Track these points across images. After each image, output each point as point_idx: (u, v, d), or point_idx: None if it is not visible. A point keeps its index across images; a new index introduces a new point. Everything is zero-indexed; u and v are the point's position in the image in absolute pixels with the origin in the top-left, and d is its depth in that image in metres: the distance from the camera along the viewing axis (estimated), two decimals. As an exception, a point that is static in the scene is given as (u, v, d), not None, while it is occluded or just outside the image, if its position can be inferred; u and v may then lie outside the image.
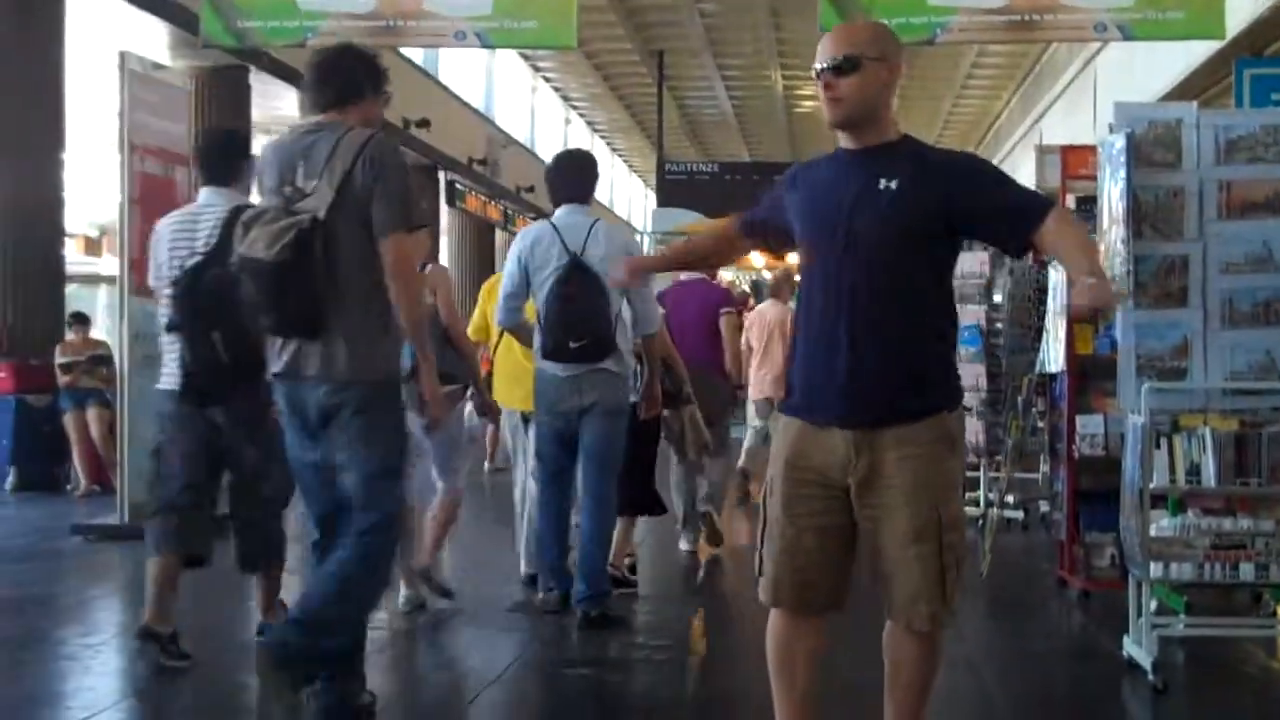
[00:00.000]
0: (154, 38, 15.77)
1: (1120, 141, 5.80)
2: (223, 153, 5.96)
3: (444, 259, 27.81)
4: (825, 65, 3.65)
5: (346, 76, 4.86)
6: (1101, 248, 6.11)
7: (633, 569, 7.76)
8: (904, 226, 3.58)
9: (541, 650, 6.37)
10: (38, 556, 8.58)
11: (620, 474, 6.68)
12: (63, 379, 12.41)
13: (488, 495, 11.83)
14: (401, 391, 4.89)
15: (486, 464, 13.90)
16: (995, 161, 32.13)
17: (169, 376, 5.71)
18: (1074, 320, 3.66)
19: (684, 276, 9.18)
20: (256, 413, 5.46)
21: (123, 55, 10.03)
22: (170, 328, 5.59)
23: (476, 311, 7.75)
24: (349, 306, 4.57)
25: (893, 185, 3.58)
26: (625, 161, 47.54)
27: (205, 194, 5.80)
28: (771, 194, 3.93)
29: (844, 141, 3.75)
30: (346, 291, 4.56)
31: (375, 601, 4.92)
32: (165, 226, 5.78)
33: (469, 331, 7.32)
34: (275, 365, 4.73)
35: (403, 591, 6.70)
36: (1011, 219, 3.62)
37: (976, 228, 3.77)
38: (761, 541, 3.77)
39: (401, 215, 4.63)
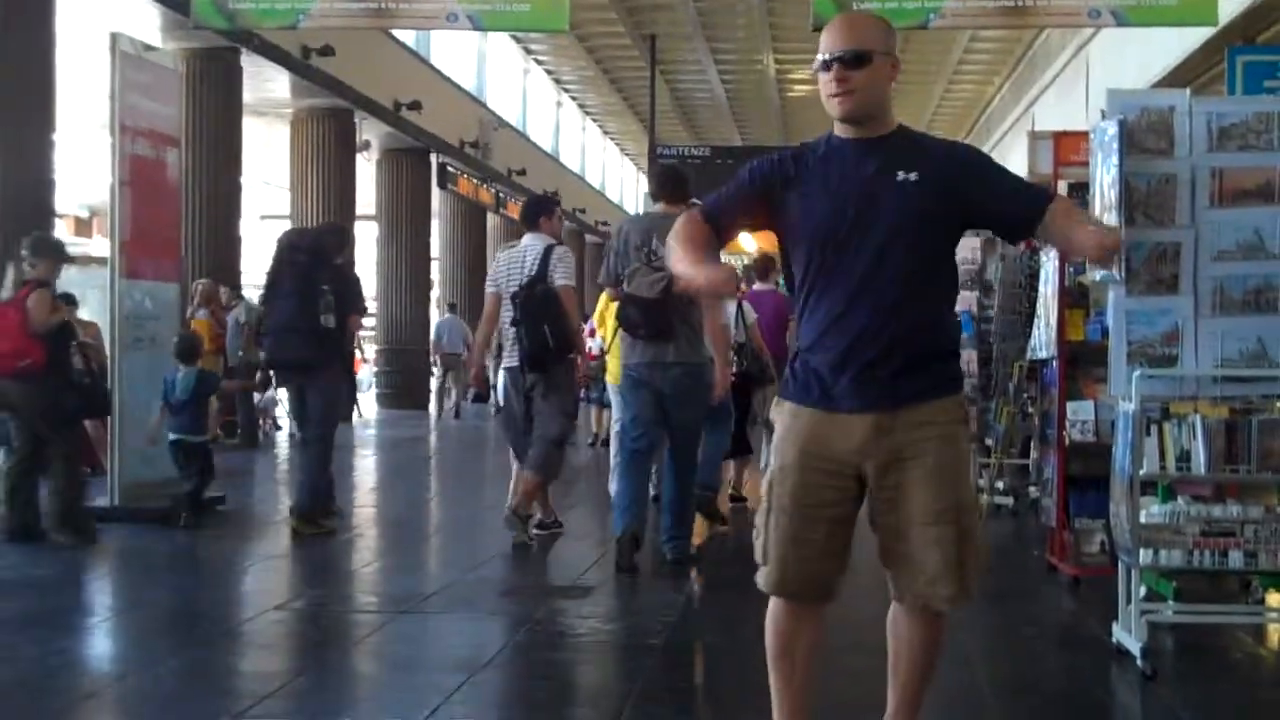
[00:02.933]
0: (145, 19, 15.72)
1: (1112, 128, 5.79)
2: (535, 210, 8.80)
3: (435, 242, 27.81)
4: (837, 57, 3.64)
5: (680, 183, 8.20)
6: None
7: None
8: (927, 216, 3.64)
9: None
10: (28, 539, 8.55)
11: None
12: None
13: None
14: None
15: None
16: (987, 148, 32.38)
17: (511, 357, 8.49)
18: (1094, 253, 3.85)
19: (757, 286, 11.34)
20: (566, 378, 8.48)
21: (114, 37, 10.00)
22: (514, 323, 8.30)
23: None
24: (685, 324, 7.64)
25: (911, 177, 3.63)
26: (617, 145, 47.47)
27: (527, 237, 8.60)
28: (740, 186, 3.85)
29: (844, 132, 3.75)
30: (686, 316, 7.58)
31: None
32: (503, 257, 8.69)
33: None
34: (635, 357, 7.72)
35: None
36: (1023, 203, 3.73)
37: (988, 214, 3.82)
38: (765, 530, 3.75)
39: None
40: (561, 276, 8.34)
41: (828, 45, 3.67)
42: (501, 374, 8.75)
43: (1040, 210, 3.70)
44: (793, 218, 3.74)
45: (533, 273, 8.36)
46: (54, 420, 8.79)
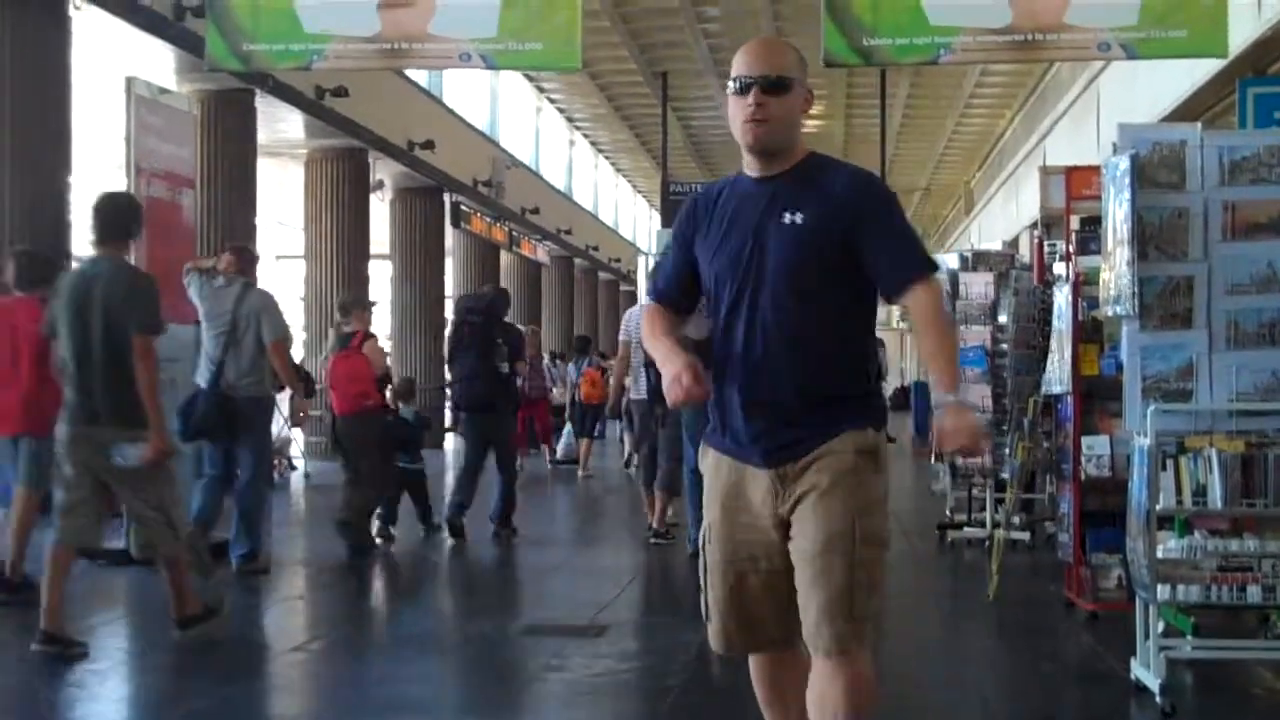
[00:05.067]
0: (160, 62, 15.81)
1: (1124, 163, 5.80)
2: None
3: (449, 280, 27.86)
4: (756, 80, 3.49)
5: None
6: (1106, 269, 6.12)
7: None
8: (810, 261, 3.47)
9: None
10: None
11: None
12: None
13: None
14: None
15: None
16: (999, 181, 32.32)
17: (639, 392, 10.62)
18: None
19: None
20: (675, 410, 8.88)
21: (129, 81, 10.07)
22: (646, 365, 9.50)
23: None
24: None
25: (798, 219, 3.47)
26: (629, 182, 47.58)
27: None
28: (673, 252, 3.75)
29: (751, 167, 3.60)
30: None
31: None
32: (634, 314, 10.22)
33: None
34: None
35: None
36: (890, 267, 3.51)
37: (865, 265, 3.51)
38: (705, 588, 3.61)
39: None
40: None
41: (747, 67, 3.52)
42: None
43: (897, 291, 3.50)
44: (701, 262, 3.64)
45: None
46: (378, 450, 10.36)
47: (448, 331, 11.97)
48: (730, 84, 3.54)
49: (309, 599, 8.77)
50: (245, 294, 9.18)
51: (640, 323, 8.74)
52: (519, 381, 12.16)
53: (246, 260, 9.64)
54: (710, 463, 3.65)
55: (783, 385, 3.47)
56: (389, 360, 12.07)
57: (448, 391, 12.49)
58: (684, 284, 3.72)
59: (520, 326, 13.38)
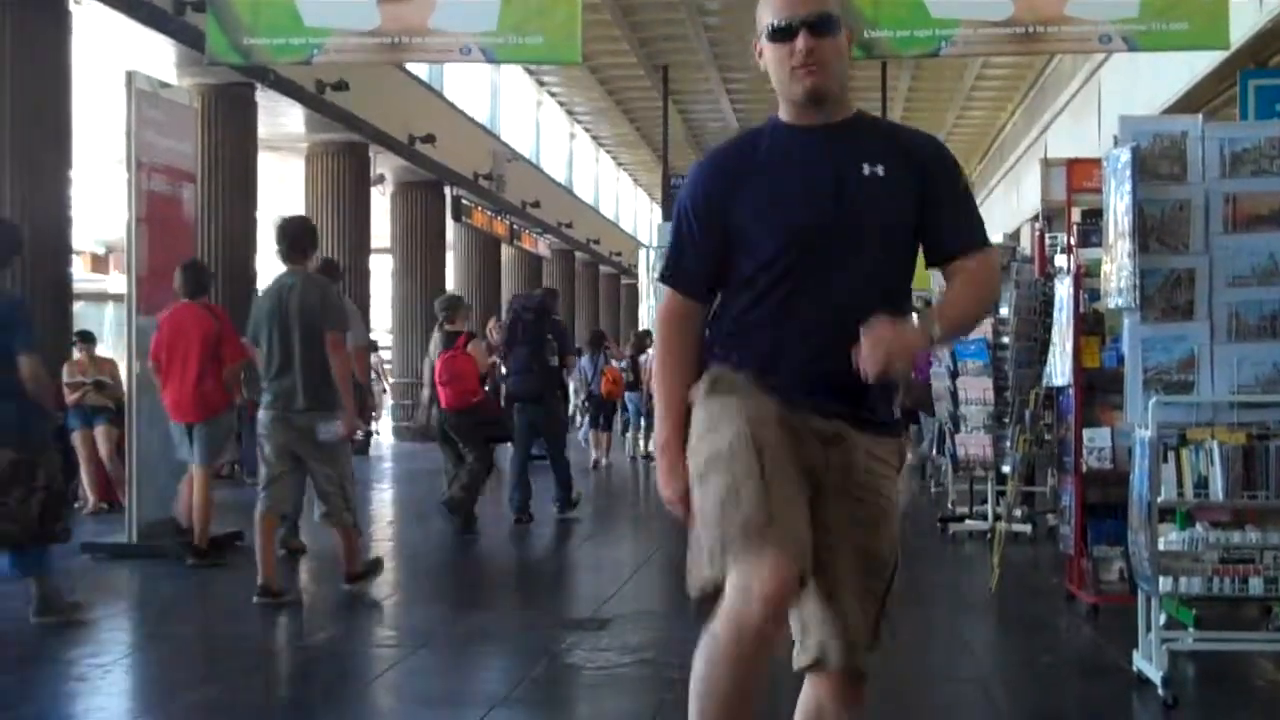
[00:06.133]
0: (160, 56, 15.82)
1: (1125, 155, 5.79)
2: None
3: (450, 274, 27.87)
4: (805, 21, 3.08)
5: None
6: (1108, 262, 6.12)
7: None
8: (898, 216, 3.15)
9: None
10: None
11: None
12: (70, 397, 12.41)
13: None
14: None
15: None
16: (1001, 174, 32.30)
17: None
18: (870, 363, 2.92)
19: None
20: None
21: (130, 75, 10.07)
22: None
23: None
24: None
25: (879, 170, 3.12)
26: (630, 176, 47.58)
27: None
28: (697, 223, 3.22)
29: (799, 116, 3.18)
30: None
31: None
32: None
33: None
34: None
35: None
36: (954, 230, 3.20)
37: (926, 222, 3.19)
38: (716, 509, 2.95)
39: None
40: None
41: (788, 8, 3.09)
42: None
43: (957, 254, 3.19)
44: (747, 217, 3.15)
45: None
46: (483, 440, 11.26)
47: (492, 326, 13.76)
48: (768, 28, 3.13)
49: (311, 592, 8.77)
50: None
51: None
52: (565, 374, 13.58)
53: (332, 269, 10.62)
54: (728, 384, 3.09)
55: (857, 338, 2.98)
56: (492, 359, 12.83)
57: (502, 386, 13.18)
58: (718, 260, 3.20)
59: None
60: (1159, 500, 5.57)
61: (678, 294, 3.26)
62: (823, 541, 3.00)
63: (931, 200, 3.16)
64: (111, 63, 14.41)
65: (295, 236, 8.13)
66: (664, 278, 3.30)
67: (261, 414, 7.92)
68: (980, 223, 3.28)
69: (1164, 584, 5.56)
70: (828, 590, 3.06)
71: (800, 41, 3.07)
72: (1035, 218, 18.50)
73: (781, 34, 3.10)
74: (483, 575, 9.74)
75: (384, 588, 8.65)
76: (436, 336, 11.80)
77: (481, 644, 7.04)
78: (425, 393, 12.43)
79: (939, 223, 3.18)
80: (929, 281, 16.17)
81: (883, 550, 3.11)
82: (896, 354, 2.94)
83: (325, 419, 7.78)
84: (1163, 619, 5.71)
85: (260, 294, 8.45)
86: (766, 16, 3.14)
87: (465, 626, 7.44)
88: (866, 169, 3.11)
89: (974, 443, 10.55)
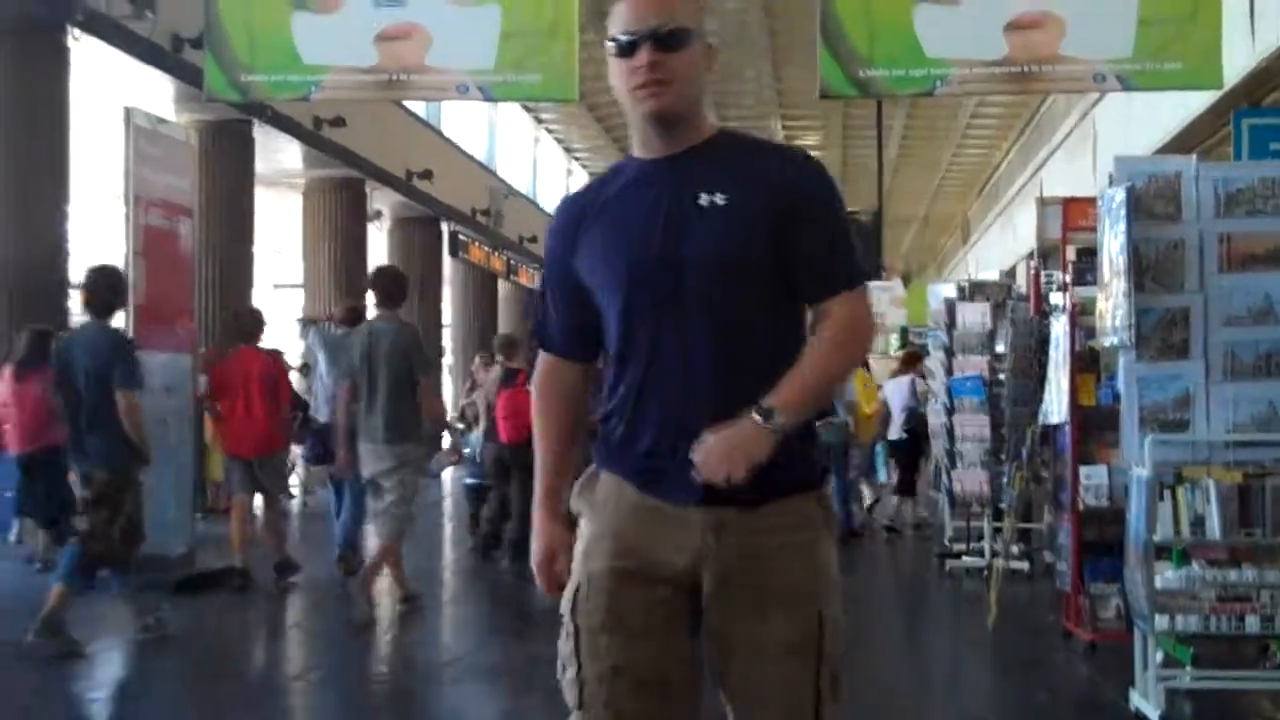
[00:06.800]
0: (158, 91, 15.86)
1: (1120, 195, 5.82)
2: None
3: (447, 310, 27.89)
4: (649, 34, 2.70)
5: None
6: (1103, 300, 6.14)
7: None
8: (744, 250, 2.68)
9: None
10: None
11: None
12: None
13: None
14: None
15: None
16: (995, 212, 32.33)
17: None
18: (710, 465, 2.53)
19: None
20: None
21: (128, 111, 10.10)
22: None
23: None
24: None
25: (717, 199, 2.68)
26: (627, 211, 47.70)
27: None
28: (548, 279, 2.94)
29: (647, 145, 2.81)
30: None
31: None
32: None
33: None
34: None
35: None
36: (819, 270, 2.73)
37: (784, 256, 2.71)
38: (577, 663, 2.79)
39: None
40: None
41: (631, 19, 2.73)
42: None
43: (830, 291, 2.72)
44: (585, 271, 2.81)
45: None
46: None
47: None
48: (609, 44, 2.78)
49: (305, 627, 8.73)
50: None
51: None
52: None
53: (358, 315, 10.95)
54: (601, 490, 2.80)
55: (717, 405, 2.60)
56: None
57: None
58: (582, 320, 2.85)
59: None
60: (1155, 538, 5.58)
61: (548, 358, 2.97)
62: (725, 622, 2.68)
63: (788, 231, 2.69)
64: (110, 99, 14.45)
65: (390, 287, 8.88)
66: (533, 332, 3.03)
67: (361, 445, 8.48)
68: (850, 256, 2.76)
69: (1161, 622, 5.56)
70: (743, 679, 2.70)
71: (643, 56, 2.71)
72: (1031, 255, 18.53)
73: (624, 49, 2.75)
74: (484, 609, 9.70)
75: (383, 621, 8.64)
76: (496, 373, 12.01)
77: (480, 679, 7.01)
78: (481, 426, 12.41)
79: (797, 257, 2.71)
80: (924, 316, 16.16)
81: (795, 618, 2.66)
82: (735, 468, 2.52)
83: (415, 453, 8.49)
84: (1160, 657, 5.70)
85: (347, 337, 9.31)
86: (610, 28, 2.79)
87: (466, 660, 7.41)
88: (704, 199, 2.69)
89: (970, 479, 10.56)
